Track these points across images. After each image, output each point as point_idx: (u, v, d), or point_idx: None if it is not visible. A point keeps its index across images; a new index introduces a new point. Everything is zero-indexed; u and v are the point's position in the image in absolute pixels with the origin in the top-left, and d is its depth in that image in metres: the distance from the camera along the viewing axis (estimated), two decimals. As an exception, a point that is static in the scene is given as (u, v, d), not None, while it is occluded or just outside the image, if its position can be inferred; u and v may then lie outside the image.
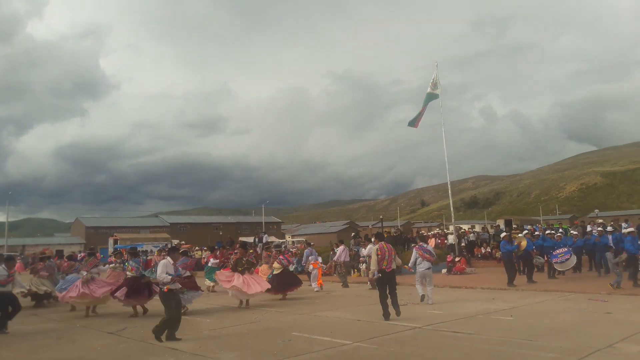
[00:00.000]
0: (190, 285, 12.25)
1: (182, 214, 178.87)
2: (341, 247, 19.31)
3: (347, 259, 19.06)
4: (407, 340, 8.08)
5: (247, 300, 13.37)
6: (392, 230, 41.84)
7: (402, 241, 24.87)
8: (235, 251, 16.66)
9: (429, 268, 12.49)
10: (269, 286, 14.15)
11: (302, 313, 11.76)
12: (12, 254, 33.67)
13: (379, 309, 11.38)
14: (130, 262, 12.83)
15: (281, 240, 55.13)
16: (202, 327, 10.29)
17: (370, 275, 10.15)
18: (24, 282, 12.70)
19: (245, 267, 13.70)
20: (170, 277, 8.70)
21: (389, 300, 10.32)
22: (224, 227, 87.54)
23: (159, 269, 8.80)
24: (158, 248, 30.47)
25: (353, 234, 32.20)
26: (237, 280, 13.27)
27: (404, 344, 7.82)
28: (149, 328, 10.22)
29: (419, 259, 12.48)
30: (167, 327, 8.66)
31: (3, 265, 10.78)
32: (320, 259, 21.19)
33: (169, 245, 35.23)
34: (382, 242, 10.69)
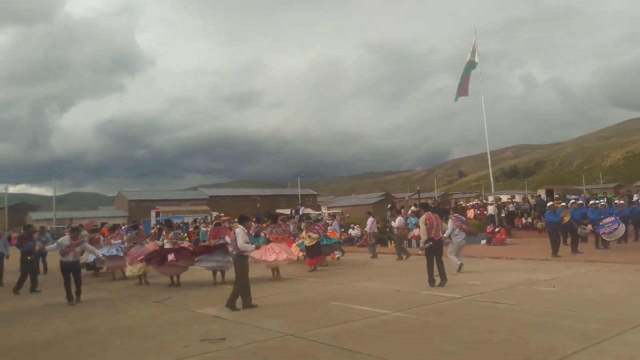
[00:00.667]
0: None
1: (221, 187, 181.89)
2: (370, 219, 19.50)
3: (376, 230, 19.33)
4: (447, 311, 8.06)
5: (278, 270, 13.38)
6: (430, 201, 41.42)
7: (440, 212, 24.60)
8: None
9: (464, 238, 12.83)
10: (294, 257, 14.13)
11: (339, 283, 11.88)
12: (61, 226, 35.15)
13: (417, 279, 11.49)
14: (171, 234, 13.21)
15: (317, 212, 55.48)
16: (243, 296, 10.54)
17: (421, 245, 10.61)
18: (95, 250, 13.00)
19: (268, 240, 13.73)
20: (254, 245, 9.02)
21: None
22: (262, 200, 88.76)
23: (240, 238, 9.02)
24: (196, 219, 31.34)
25: (389, 205, 32.06)
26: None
27: (443, 314, 7.81)
28: (193, 297, 10.58)
29: (456, 230, 12.59)
30: (240, 295, 8.88)
31: (68, 236, 11.00)
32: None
33: (208, 218, 35.92)
34: (429, 212, 10.93)
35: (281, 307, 9.06)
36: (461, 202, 45.42)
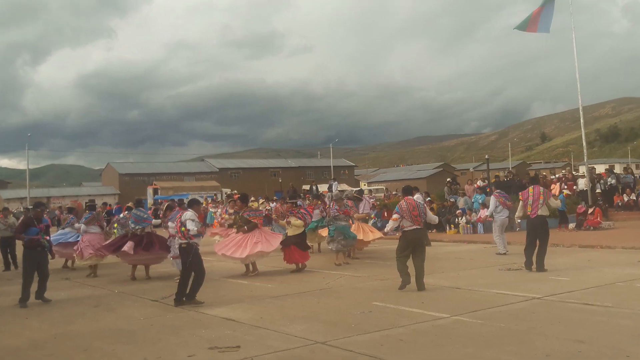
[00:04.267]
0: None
1: (233, 156, 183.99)
2: (417, 195, 19.45)
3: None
4: (523, 314, 8.00)
5: (254, 264, 13.38)
6: (502, 173, 40.98)
7: (516, 188, 24.27)
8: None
9: (508, 216, 14.49)
10: (273, 247, 13.33)
11: (384, 278, 11.87)
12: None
13: (480, 274, 11.63)
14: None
15: (354, 189, 55.47)
16: (264, 293, 10.72)
17: (517, 221, 12.05)
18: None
19: (240, 225, 13.42)
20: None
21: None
22: (284, 173, 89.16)
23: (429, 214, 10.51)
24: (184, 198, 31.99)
25: (448, 179, 31.82)
26: (221, 243, 13.76)
27: (518, 318, 7.76)
28: (199, 295, 10.77)
29: (499, 207, 14.25)
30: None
31: (191, 211, 10.16)
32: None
33: (219, 196, 36.23)
34: (532, 186, 12.00)
35: (310, 307, 9.18)
36: (544, 174, 44.72)
